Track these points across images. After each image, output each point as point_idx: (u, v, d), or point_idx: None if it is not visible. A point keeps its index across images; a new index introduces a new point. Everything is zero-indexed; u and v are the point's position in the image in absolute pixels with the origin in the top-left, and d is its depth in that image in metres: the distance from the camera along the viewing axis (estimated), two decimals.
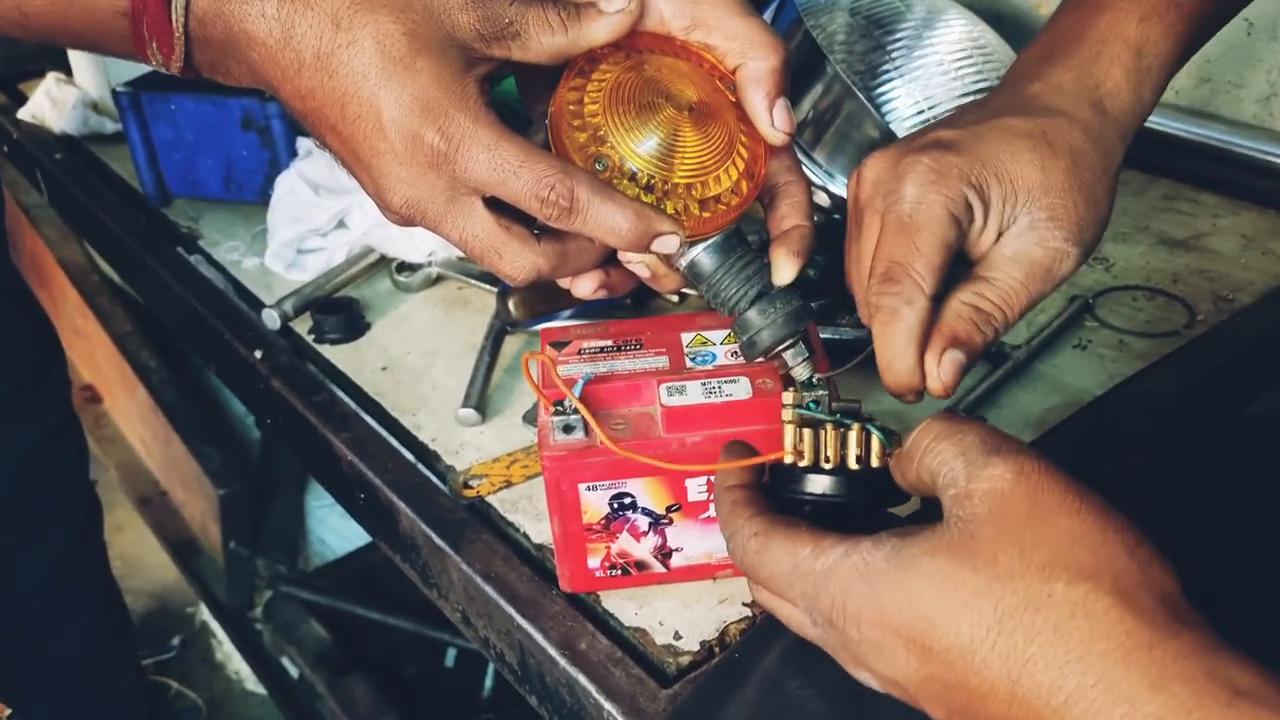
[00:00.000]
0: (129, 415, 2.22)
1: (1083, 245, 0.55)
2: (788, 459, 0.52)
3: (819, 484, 0.52)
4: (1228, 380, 0.79)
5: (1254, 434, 0.65)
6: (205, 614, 1.99)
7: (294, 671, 1.76)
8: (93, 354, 2.20)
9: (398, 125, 0.50)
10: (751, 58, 0.56)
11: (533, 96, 0.60)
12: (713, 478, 0.58)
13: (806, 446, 0.52)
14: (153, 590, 2.07)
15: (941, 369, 0.54)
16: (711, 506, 0.59)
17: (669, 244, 0.54)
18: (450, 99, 0.50)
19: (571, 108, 0.54)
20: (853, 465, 0.51)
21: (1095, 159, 0.56)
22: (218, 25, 0.51)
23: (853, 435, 0.52)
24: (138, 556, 2.14)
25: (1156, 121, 1.08)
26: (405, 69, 0.50)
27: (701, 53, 0.57)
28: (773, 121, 0.56)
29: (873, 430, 0.51)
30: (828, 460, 0.51)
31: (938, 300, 0.54)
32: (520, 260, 0.54)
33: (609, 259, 0.59)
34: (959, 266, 0.56)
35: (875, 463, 0.51)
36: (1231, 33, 1.07)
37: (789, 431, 0.53)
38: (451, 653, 1.72)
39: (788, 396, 0.54)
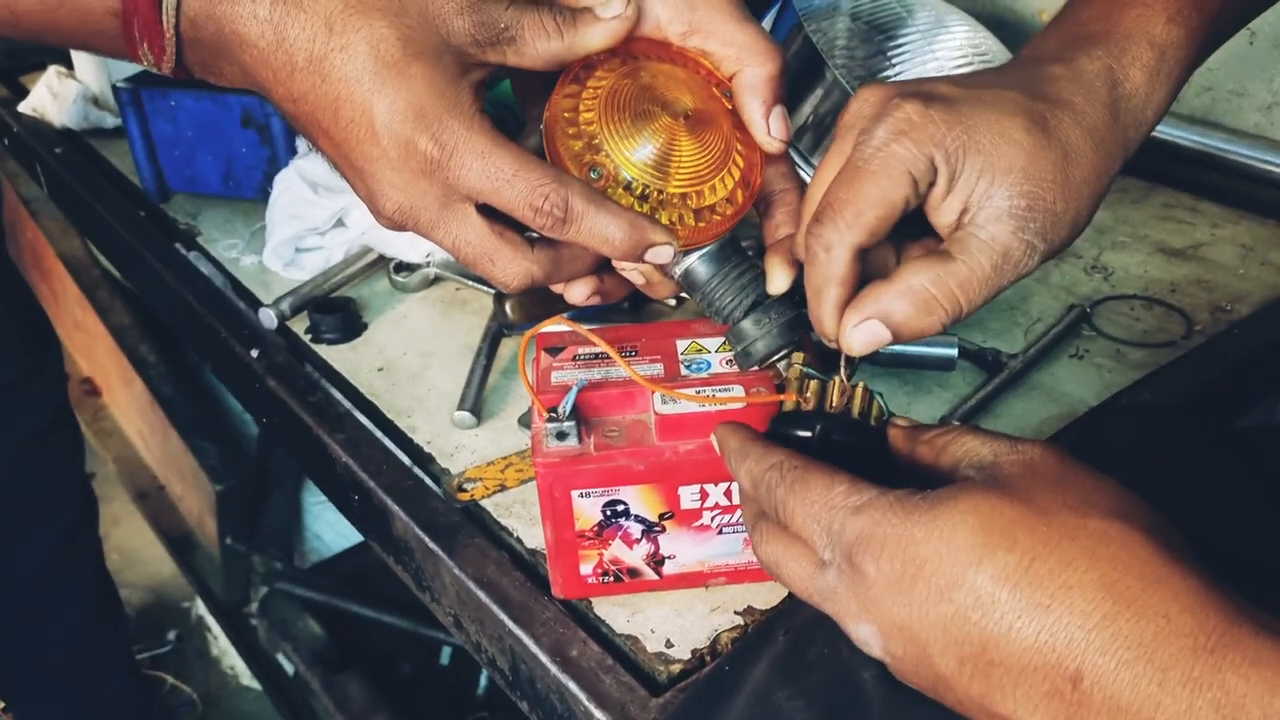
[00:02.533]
0: (127, 409, 2.22)
1: (1049, 244, 0.53)
2: (788, 406, 0.53)
3: (831, 420, 0.52)
4: (1225, 392, 0.79)
5: (1246, 447, 0.64)
6: (201, 609, 1.99)
7: (289, 668, 1.76)
8: (92, 348, 2.20)
9: (391, 131, 0.50)
10: (748, 65, 0.56)
11: (528, 101, 0.60)
12: (705, 486, 0.58)
13: (812, 394, 0.53)
14: (149, 585, 2.07)
15: (854, 334, 0.52)
16: (705, 514, 0.59)
17: (663, 254, 0.54)
18: (444, 105, 0.50)
19: (566, 115, 0.54)
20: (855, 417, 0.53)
21: (1090, 160, 0.53)
22: (209, 26, 0.51)
23: (858, 391, 0.53)
24: (134, 550, 2.14)
25: (1157, 129, 1.08)
26: (399, 74, 0.50)
27: (698, 59, 0.57)
28: (769, 129, 0.56)
29: (875, 393, 0.53)
30: (832, 407, 0.52)
31: (867, 253, 0.52)
32: (513, 267, 0.54)
33: (603, 265, 0.59)
34: (919, 228, 0.55)
35: (874, 423, 0.52)
36: (1234, 42, 1.06)
37: (793, 384, 0.54)
38: (447, 651, 1.72)
39: (796, 357, 0.55)
